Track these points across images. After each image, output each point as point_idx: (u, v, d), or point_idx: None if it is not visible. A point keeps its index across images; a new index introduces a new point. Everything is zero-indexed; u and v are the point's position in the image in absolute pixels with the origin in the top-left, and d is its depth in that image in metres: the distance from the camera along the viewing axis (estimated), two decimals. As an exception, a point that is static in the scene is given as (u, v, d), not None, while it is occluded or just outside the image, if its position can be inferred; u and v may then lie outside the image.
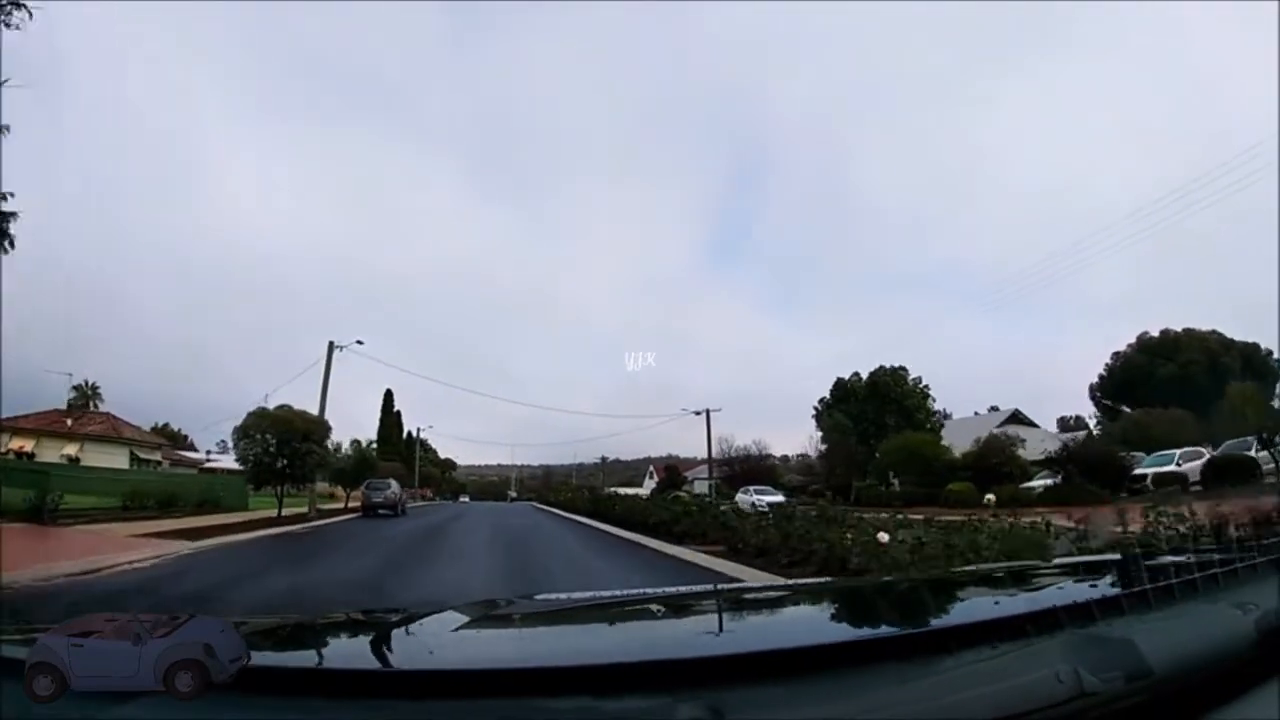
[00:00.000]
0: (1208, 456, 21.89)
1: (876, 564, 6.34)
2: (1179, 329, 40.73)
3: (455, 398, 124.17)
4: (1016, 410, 43.88)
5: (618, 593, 1.95)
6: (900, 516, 10.06)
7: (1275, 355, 38.21)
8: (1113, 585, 1.19)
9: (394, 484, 27.26)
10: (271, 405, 21.64)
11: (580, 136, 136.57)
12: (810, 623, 1.40)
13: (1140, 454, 25.75)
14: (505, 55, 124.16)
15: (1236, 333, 39.81)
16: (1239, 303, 52.59)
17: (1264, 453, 20.30)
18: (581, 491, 35.59)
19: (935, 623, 1.13)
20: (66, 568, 8.51)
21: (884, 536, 7.02)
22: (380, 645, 1.11)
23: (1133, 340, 42.55)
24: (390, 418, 60.42)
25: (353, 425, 58.35)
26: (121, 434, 28.91)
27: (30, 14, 12.76)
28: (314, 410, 24.71)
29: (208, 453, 42.20)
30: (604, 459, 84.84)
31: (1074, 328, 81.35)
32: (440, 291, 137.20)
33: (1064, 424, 48.10)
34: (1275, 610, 0.93)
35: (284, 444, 19.84)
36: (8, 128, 13.19)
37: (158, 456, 29.69)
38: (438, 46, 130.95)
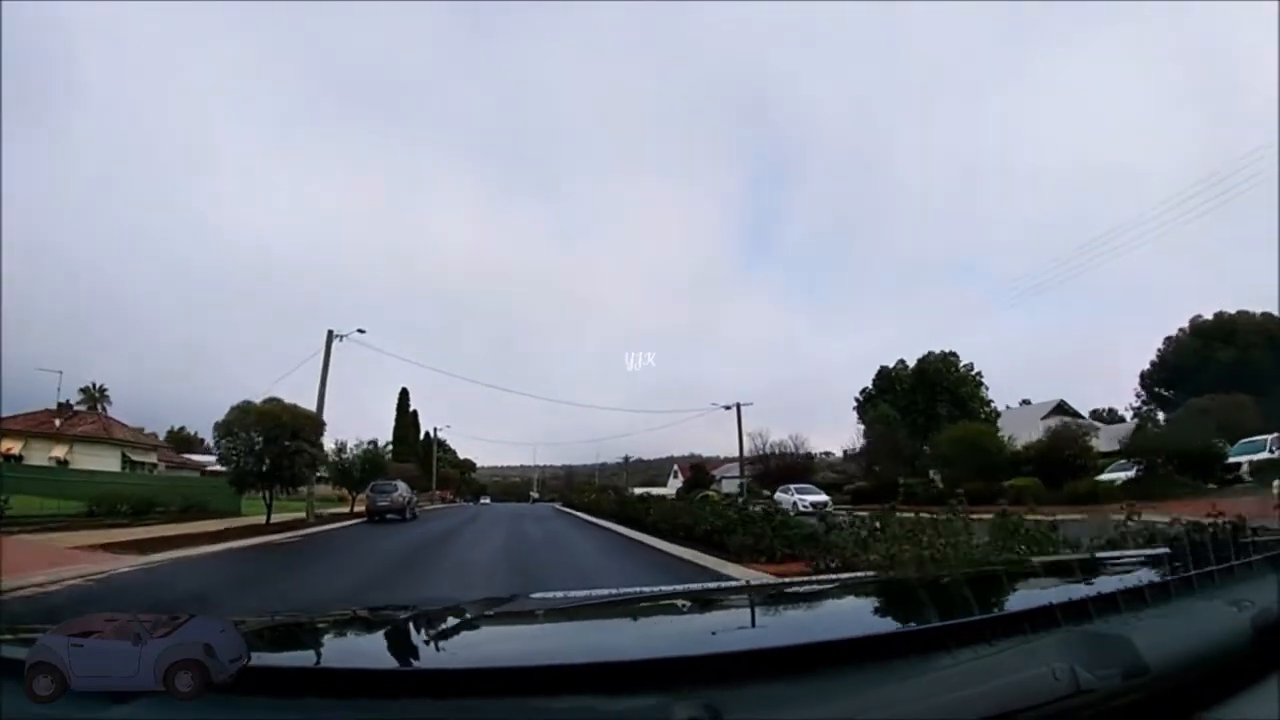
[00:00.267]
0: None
1: None
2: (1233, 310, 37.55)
3: (477, 399, 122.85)
4: (1061, 401, 40.54)
5: (614, 591, 1.83)
6: (1003, 518, 7.05)
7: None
8: (1109, 582, 1.19)
9: (401, 486, 24.83)
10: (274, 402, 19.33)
11: (606, 134, 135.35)
12: (807, 621, 1.41)
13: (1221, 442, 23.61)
14: (530, 53, 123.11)
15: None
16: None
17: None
18: (607, 493, 32.85)
19: (932, 620, 1.09)
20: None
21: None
22: (379, 644, 1.18)
23: (1184, 325, 39.51)
24: (406, 417, 58.33)
25: (373, 426, 56.39)
26: (112, 434, 27.02)
27: None
28: (316, 406, 22.49)
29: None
30: (627, 458, 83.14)
31: (1102, 320, 79.24)
32: (463, 292, 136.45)
33: (1096, 418, 44.55)
34: (1271, 607, 0.92)
35: (270, 442, 17.52)
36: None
37: (153, 459, 27.80)
38: (463, 45, 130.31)
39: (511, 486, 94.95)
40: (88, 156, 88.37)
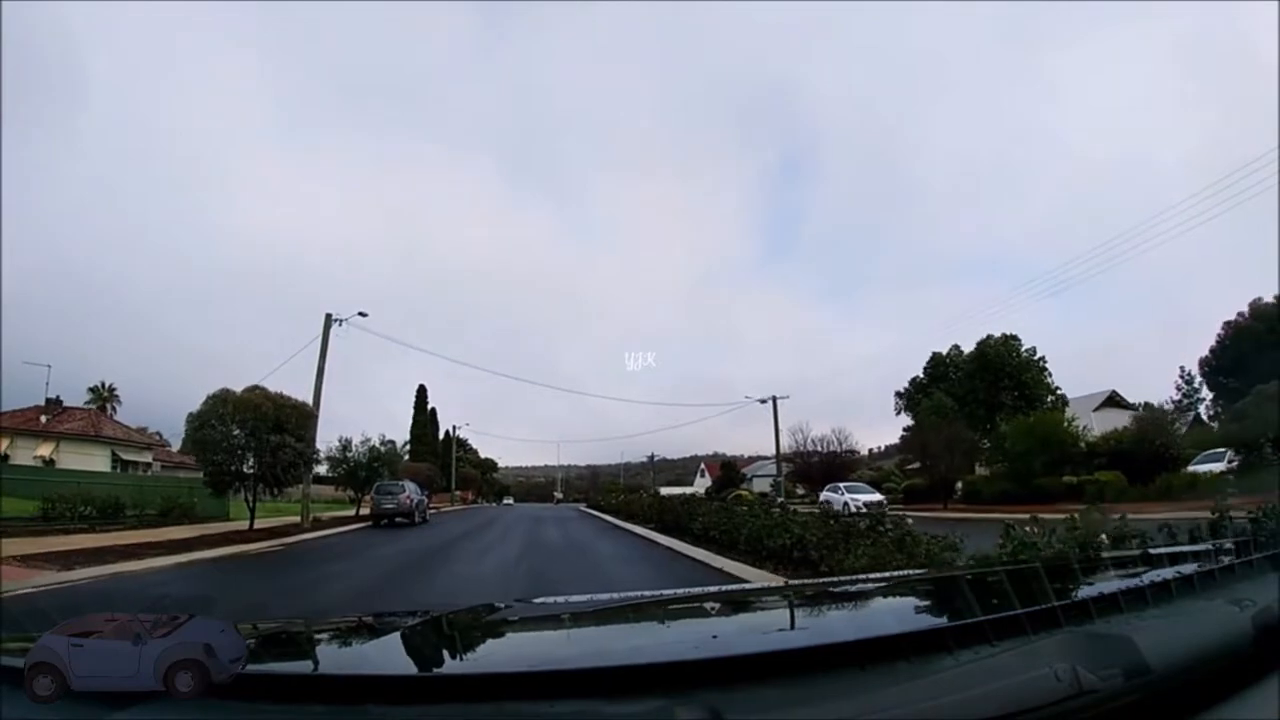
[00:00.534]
0: None
1: None
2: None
3: (500, 397, 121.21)
4: (1113, 392, 36.84)
5: (615, 595, 1.77)
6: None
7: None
8: (1110, 582, 1.19)
9: (409, 486, 22.37)
10: (257, 390, 16.94)
11: (622, 132, 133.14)
12: (808, 623, 1.40)
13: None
14: (545, 53, 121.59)
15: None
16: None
17: None
18: (638, 494, 30.04)
19: (933, 622, 1.09)
20: None
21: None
22: (382, 650, 1.16)
23: (1243, 309, 35.73)
24: (424, 415, 56.14)
25: (397, 428, 54.39)
26: (101, 432, 25.08)
27: None
28: (313, 397, 20.15)
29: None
30: (652, 457, 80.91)
31: (1122, 315, 76.52)
32: (480, 292, 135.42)
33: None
34: (1272, 606, 0.92)
35: (252, 436, 15.14)
36: None
37: (148, 458, 25.87)
38: (478, 45, 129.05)
39: (535, 487, 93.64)
40: (105, 155, 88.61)
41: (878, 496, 27.14)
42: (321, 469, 27.35)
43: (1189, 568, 1.16)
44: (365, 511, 22.52)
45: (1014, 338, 34.22)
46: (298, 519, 18.84)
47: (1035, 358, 34.52)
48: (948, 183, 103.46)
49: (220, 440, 14.87)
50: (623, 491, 38.38)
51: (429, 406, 57.13)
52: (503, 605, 1.56)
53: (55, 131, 79.42)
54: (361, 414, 73.18)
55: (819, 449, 36.81)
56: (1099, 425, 31.04)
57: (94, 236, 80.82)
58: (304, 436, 16.18)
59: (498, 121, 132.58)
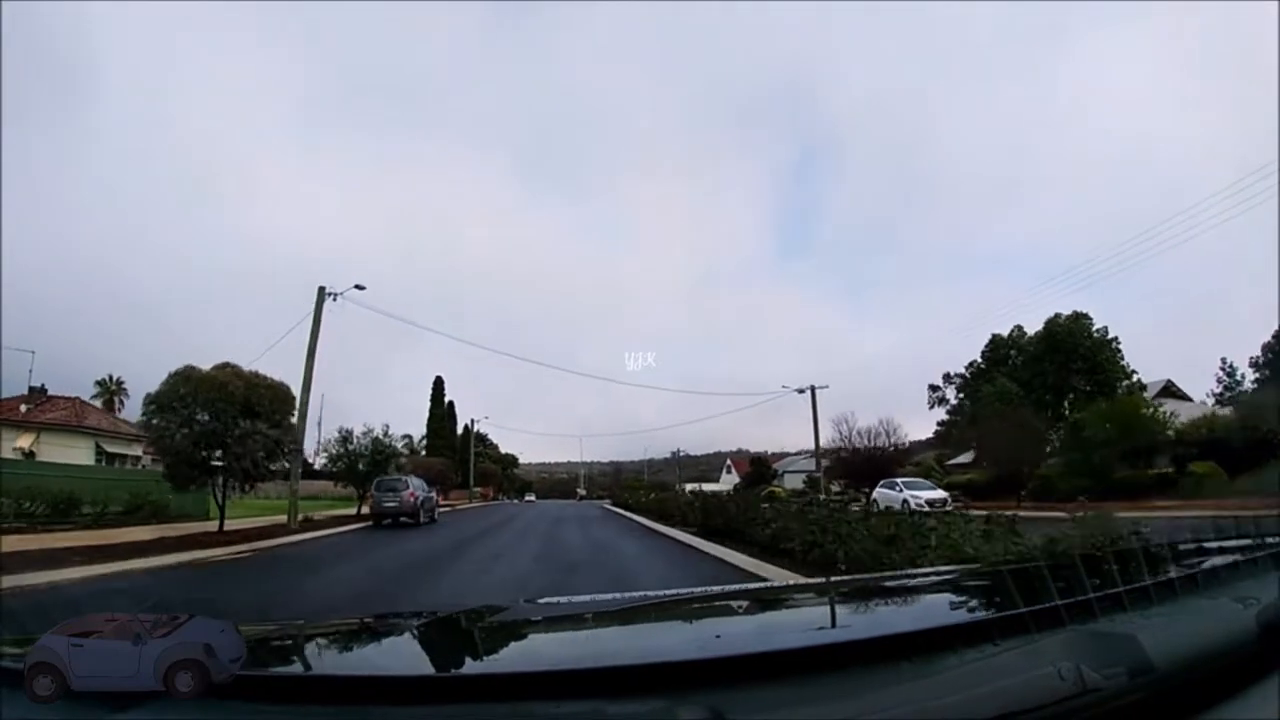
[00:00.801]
0: None
1: None
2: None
3: (519, 391, 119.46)
4: (1169, 381, 33.09)
5: (617, 595, 1.73)
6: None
7: None
8: (1114, 581, 1.18)
9: (414, 482, 19.93)
10: (227, 368, 14.56)
11: (644, 131, 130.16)
12: (811, 623, 1.40)
13: None
14: (561, 51, 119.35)
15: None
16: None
17: None
18: (671, 491, 27.28)
19: (937, 620, 1.10)
20: None
21: None
22: (382, 651, 1.16)
23: None
24: (441, 409, 53.94)
25: (414, 421, 52.37)
26: (84, 422, 23.17)
27: None
28: (303, 380, 17.81)
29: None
30: (677, 452, 78.34)
31: (1154, 306, 72.76)
32: (506, 290, 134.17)
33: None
34: (1276, 604, 0.91)
35: (215, 421, 12.74)
36: None
37: (137, 450, 23.93)
38: (495, 44, 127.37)
39: (558, 483, 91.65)
40: (110, 154, 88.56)
41: (941, 494, 24.07)
42: (320, 461, 24.96)
43: (1193, 565, 1.15)
44: (368, 510, 20.23)
45: (1085, 315, 30.60)
46: (284, 519, 16.54)
47: (1108, 338, 30.90)
48: (965, 176, 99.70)
49: (178, 426, 12.47)
50: (651, 489, 35.64)
51: (446, 400, 54.99)
52: (506, 605, 1.51)
53: (63, 129, 79.28)
54: (378, 408, 71.70)
55: (864, 442, 33.50)
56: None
57: (98, 234, 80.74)
58: (280, 423, 13.74)
59: (514, 120, 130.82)
